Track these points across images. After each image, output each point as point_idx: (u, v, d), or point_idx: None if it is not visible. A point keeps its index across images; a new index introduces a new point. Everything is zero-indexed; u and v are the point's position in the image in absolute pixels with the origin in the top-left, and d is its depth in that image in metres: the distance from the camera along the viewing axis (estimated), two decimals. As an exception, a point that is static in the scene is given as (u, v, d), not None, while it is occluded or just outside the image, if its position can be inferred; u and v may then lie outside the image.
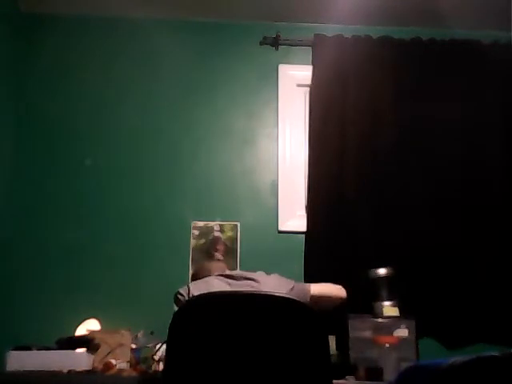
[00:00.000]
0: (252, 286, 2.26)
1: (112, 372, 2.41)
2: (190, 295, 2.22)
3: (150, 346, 2.58)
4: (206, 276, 2.45)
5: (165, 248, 3.11)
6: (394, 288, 2.86)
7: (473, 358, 1.35)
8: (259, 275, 2.39)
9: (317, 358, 1.70)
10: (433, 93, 3.27)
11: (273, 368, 1.69)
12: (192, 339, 1.72)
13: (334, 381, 2.33)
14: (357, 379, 2.49)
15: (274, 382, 1.68)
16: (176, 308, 2.23)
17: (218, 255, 3.10)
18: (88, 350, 2.46)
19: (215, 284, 2.30)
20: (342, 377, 2.45)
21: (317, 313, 1.74)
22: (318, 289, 2.50)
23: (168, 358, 1.75)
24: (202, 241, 3.12)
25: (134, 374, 2.41)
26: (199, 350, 1.71)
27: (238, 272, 2.52)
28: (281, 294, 1.77)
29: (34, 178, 3.17)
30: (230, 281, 2.34)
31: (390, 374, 2.48)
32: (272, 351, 1.69)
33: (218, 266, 2.62)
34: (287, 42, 3.39)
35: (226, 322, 1.71)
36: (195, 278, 2.55)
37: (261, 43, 3.40)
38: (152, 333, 2.64)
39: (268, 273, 2.44)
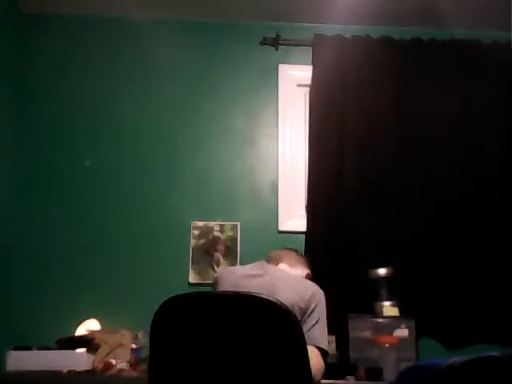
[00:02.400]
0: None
1: (112, 372, 2.41)
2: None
3: (149, 345, 2.58)
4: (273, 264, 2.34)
5: (165, 248, 3.11)
6: (393, 288, 2.86)
7: (472, 358, 1.35)
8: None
9: (294, 361, 1.67)
10: (433, 93, 3.27)
11: (250, 369, 1.67)
12: (170, 341, 1.72)
13: (334, 381, 2.35)
14: (357, 379, 2.49)
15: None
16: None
17: (218, 255, 3.10)
18: (88, 350, 2.46)
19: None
20: (342, 377, 2.45)
21: (293, 314, 1.71)
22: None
23: (150, 360, 1.75)
24: (202, 241, 3.12)
25: (133, 374, 2.41)
26: (178, 352, 1.71)
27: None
28: (259, 295, 1.74)
29: (34, 178, 3.17)
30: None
31: (390, 374, 2.48)
32: (249, 352, 1.67)
33: (275, 255, 2.46)
34: (287, 41, 3.39)
35: (203, 323, 1.70)
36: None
37: (261, 43, 3.40)
38: (152, 333, 2.64)
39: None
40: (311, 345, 1.98)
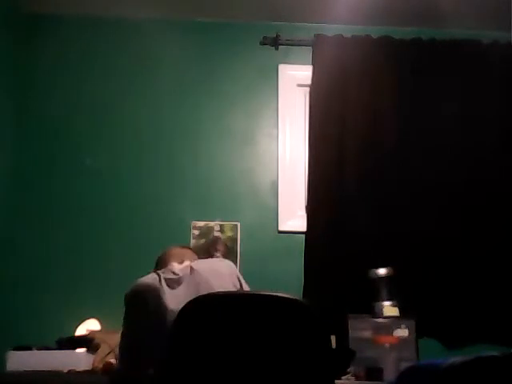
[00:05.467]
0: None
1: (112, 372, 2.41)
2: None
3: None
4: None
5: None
6: (393, 288, 2.86)
7: (473, 358, 1.35)
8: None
9: (319, 359, 1.69)
10: (433, 92, 3.27)
11: (275, 368, 1.68)
12: (194, 340, 1.72)
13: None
14: (357, 379, 2.49)
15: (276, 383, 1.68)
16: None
17: (218, 255, 3.10)
18: (88, 350, 2.46)
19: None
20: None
21: (319, 313, 1.73)
22: None
23: (169, 360, 1.75)
24: (202, 241, 3.12)
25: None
26: (200, 351, 1.71)
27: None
28: (283, 295, 1.75)
29: (34, 178, 3.17)
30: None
31: (390, 374, 2.48)
32: (274, 352, 1.68)
33: (178, 252, 2.41)
34: (287, 41, 3.39)
35: (228, 322, 1.71)
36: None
37: (261, 43, 3.40)
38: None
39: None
40: None
